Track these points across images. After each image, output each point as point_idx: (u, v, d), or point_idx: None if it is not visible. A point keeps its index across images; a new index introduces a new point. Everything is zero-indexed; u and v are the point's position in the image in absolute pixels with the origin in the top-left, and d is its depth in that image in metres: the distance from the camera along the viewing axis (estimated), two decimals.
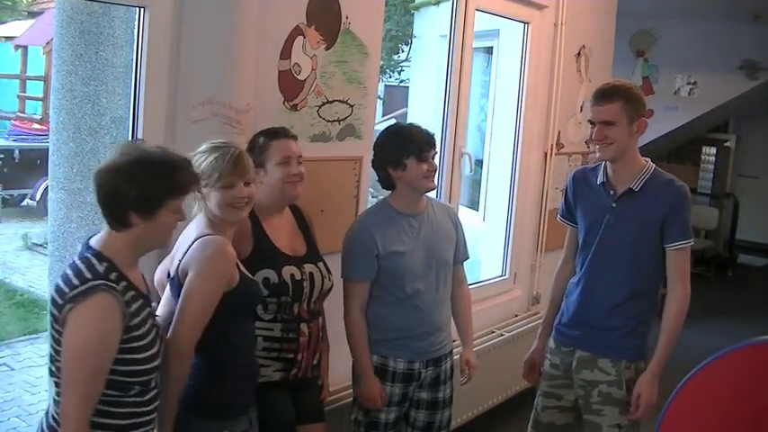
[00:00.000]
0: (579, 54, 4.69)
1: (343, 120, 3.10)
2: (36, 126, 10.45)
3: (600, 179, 2.70)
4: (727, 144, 9.57)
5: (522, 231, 4.52)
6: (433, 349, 2.76)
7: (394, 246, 2.67)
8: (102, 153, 2.90)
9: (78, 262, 1.84)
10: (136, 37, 2.50)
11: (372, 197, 7.58)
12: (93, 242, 1.89)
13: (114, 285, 1.79)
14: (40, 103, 10.84)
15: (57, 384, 1.81)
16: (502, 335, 4.10)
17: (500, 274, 4.49)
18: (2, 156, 9.83)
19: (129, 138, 2.56)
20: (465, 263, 2.96)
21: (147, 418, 1.92)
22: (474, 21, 3.83)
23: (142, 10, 2.45)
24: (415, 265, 2.69)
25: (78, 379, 1.76)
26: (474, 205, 4.89)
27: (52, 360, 1.84)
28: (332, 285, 2.60)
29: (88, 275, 1.79)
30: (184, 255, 2.11)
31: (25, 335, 5.74)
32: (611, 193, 2.66)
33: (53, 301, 1.81)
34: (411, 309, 2.70)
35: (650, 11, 6.86)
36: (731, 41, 6.99)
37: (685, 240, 2.59)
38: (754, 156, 9.63)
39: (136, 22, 2.50)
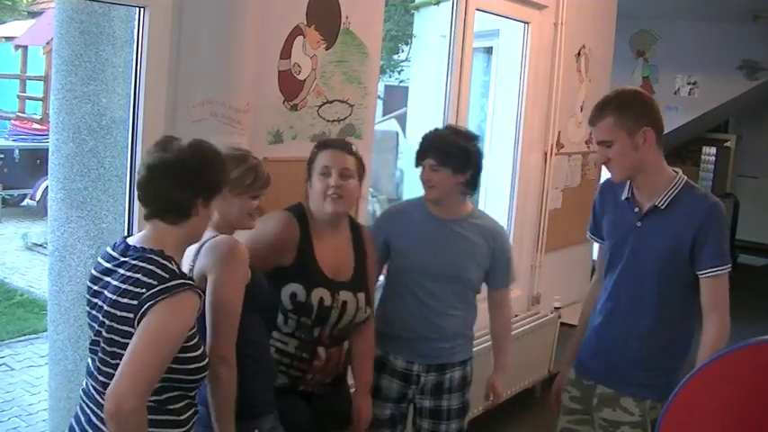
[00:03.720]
0: (579, 54, 4.69)
1: (343, 120, 3.09)
2: (36, 126, 10.46)
3: (626, 194, 2.42)
4: (727, 144, 9.56)
5: (523, 231, 4.52)
6: (435, 355, 2.71)
7: (402, 239, 2.68)
8: (102, 153, 2.90)
9: (143, 264, 1.82)
10: (136, 37, 2.50)
11: (372, 197, 7.58)
12: (141, 242, 1.88)
13: (196, 285, 1.84)
14: (40, 103, 10.84)
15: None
16: None
17: None
18: (2, 156, 9.84)
19: (130, 138, 2.56)
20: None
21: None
22: (474, 21, 3.83)
23: (142, 10, 2.45)
24: (423, 266, 2.67)
25: (148, 364, 1.75)
26: (474, 205, 4.88)
27: (108, 357, 1.83)
28: (367, 317, 2.51)
29: (165, 275, 1.80)
30: (195, 257, 2.07)
31: (25, 335, 5.75)
32: (636, 210, 2.38)
33: (121, 306, 1.79)
34: (413, 309, 2.69)
35: (650, 11, 6.86)
36: (731, 41, 6.99)
37: (719, 267, 2.28)
38: (754, 156, 9.63)
39: (136, 22, 2.49)
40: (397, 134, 9.90)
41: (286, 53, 2.83)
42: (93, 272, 1.96)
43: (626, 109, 2.30)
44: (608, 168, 2.39)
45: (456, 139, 2.69)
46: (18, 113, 11.28)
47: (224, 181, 1.96)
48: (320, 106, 2.99)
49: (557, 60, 4.46)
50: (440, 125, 3.78)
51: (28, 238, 8.37)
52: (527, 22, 4.31)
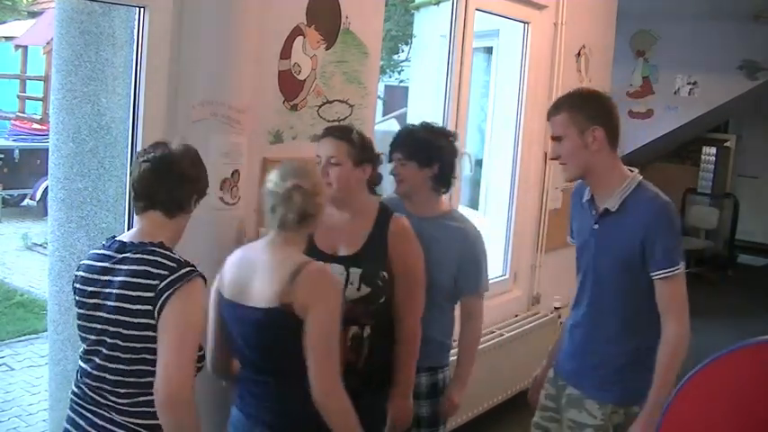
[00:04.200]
0: (579, 54, 4.69)
1: (343, 120, 3.09)
2: (36, 126, 10.46)
3: (587, 196, 2.43)
4: (727, 144, 9.57)
5: (523, 231, 4.52)
6: None
7: None
8: (102, 153, 2.89)
9: (146, 257, 1.91)
10: (135, 37, 2.50)
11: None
12: (137, 237, 1.98)
13: (198, 270, 1.95)
14: (40, 103, 10.85)
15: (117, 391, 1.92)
16: (502, 335, 4.10)
17: (500, 273, 4.49)
18: (2, 156, 9.84)
19: (130, 138, 2.55)
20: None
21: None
22: (474, 21, 3.83)
23: (142, 10, 2.45)
24: None
25: (188, 356, 1.88)
26: (474, 205, 4.89)
27: (119, 352, 1.90)
28: (366, 295, 2.42)
29: (173, 264, 1.90)
30: (290, 283, 2.06)
31: (25, 335, 5.74)
32: (594, 213, 2.38)
33: (134, 299, 1.87)
34: None
35: (650, 11, 6.87)
36: (731, 41, 7.00)
37: (669, 269, 2.23)
38: (754, 156, 9.63)
39: (136, 22, 2.49)
40: None
41: (286, 53, 2.83)
42: (82, 274, 1.98)
43: (579, 107, 2.32)
44: (561, 165, 2.39)
45: (423, 134, 2.72)
46: (18, 113, 11.29)
47: (206, 186, 2.12)
48: (320, 106, 2.99)
49: (557, 60, 4.46)
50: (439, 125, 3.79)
51: (28, 238, 8.37)
52: (527, 22, 4.31)
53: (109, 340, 1.91)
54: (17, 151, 9.97)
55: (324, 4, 2.94)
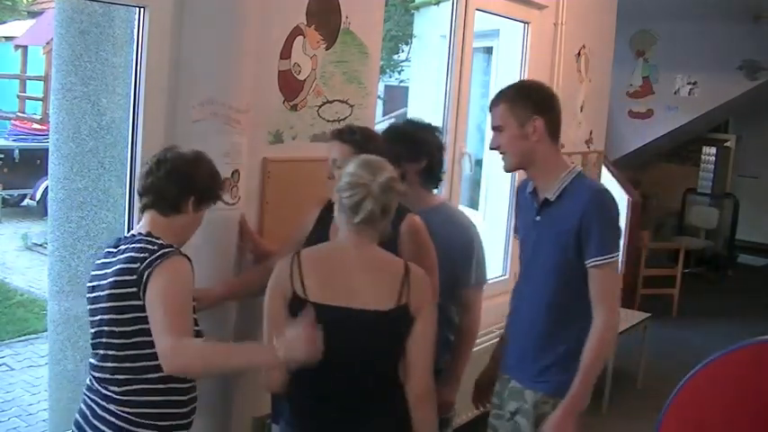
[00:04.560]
0: (579, 54, 4.69)
1: (343, 120, 3.09)
2: (36, 126, 10.46)
3: (530, 188, 2.41)
4: (727, 144, 9.57)
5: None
6: None
7: None
8: (101, 153, 2.90)
9: (134, 245, 2.02)
10: (135, 37, 2.50)
11: None
12: (132, 232, 2.11)
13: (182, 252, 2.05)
14: (40, 103, 10.85)
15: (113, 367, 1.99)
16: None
17: (500, 273, 4.49)
18: (2, 156, 9.83)
19: (130, 138, 2.55)
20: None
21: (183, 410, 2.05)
22: (474, 21, 3.83)
23: (142, 10, 2.45)
24: None
25: (179, 322, 1.95)
26: (474, 205, 4.89)
27: (113, 338, 1.99)
28: None
29: (153, 248, 2.00)
30: (402, 285, 2.05)
31: (25, 335, 5.74)
32: (536, 204, 2.36)
33: (121, 284, 1.97)
34: None
35: (650, 11, 6.87)
36: (731, 41, 7.00)
37: (602, 257, 2.20)
38: (754, 156, 9.63)
39: (136, 22, 2.49)
40: None
41: (286, 53, 2.82)
42: (91, 273, 2.11)
43: (520, 98, 2.31)
44: (500, 155, 2.36)
45: (408, 128, 2.71)
46: (18, 113, 11.28)
47: (217, 193, 2.19)
48: (320, 106, 2.99)
49: (557, 60, 4.45)
50: (440, 125, 3.79)
51: (28, 238, 8.37)
52: (527, 22, 4.31)
53: (106, 329, 2.00)
54: (17, 151, 9.96)
55: (324, 4, 2.94)
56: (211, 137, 2.49)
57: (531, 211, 2.38)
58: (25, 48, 11.59)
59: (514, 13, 4.23)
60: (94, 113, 2.86)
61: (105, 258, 2.09)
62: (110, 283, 1.99)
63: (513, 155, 2.32)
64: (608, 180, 6.22)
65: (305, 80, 2.91)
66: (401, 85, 12.70)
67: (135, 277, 1.95)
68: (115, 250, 2.07)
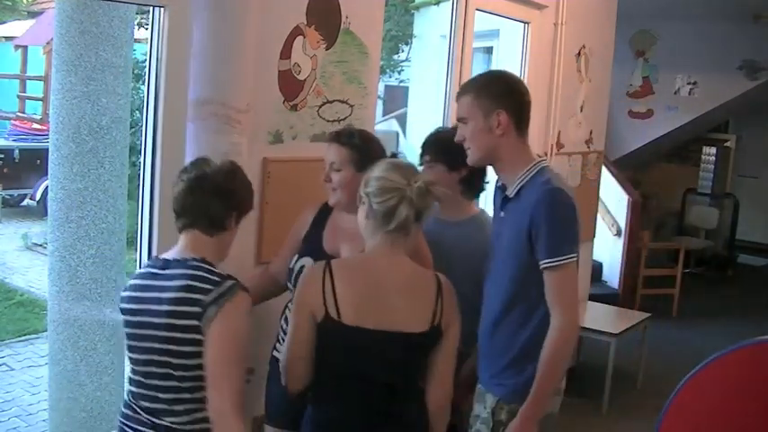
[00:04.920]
0: (579, 54, 4.69)
1: (343, 120, 3.09)
2: (36, 126, 10.44)
3: (498, 183, 2.33)
4: (727, 144, 9.57)
5: None
6: None
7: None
8: (101, 153, 2.90)
9: (190, 272, 1.90)
10: (150, 37, 2.49)
11: None
12: (180, 254, 1.96)
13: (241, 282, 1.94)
14: (40, 103, 10.83)
15: (172, 398, 1.89)
16: None
17: None
18: (2, 156, 9.83)
19: (144, 138, 2.55)
20: None
21: None
22: (474, 21, 3.83)
23: (161, 10, 2.44)
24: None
25: (235, 373, 1.85)
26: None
27: (170, 369, 1.87)
28: None
29: (215, 279, 1.89)
30: (437, 301, 2.01)
31: (25, 335, 5.74)
32: (501, 200, 2.29)
33: (181, 314, 1.85)
34: None
35: (650, 11, 6.87)
36: (731, 41, 7.00)
37: (553, 259, 2.09)
38: (754, 156, 9.63)
39: (151, 23, 2.48)
40: (397, 134, 9.89)
41: (286, 53, 2.82)
42: (129, 293, 1.98)
43: (485, 89, 2.22)
44: (466, 149, 2.26)
45: (449, 135, 2.62)
46: (18, 113, 11.27)
47: (251, 204, 2.09)
48: (320, 106, 2.99)
49: (557, 60, 4.45)
50: (440, 125, 3.79)
51: (28, 238, 8.36)
52: (527, 22, 4.30)
53: (158, 358, 1.88)
54: (17, 151, 9.96)
55: (324, 4, 2.94)
56: (211, 137, 2.49)
57: (498, 207, 2.32)
58: (25, 48, 11.57)
59: (514, 13, 4.23)
60: (94, 113, 2.86)
61: (148, 280, 1.95)
62: (167, 311, 1.86)
63: (478, 148, 2.22)
64: (608, 180, 6.22)
65: (305, 80, 2.91)
66: (401, 85, 12.69)
67: (198, 309, 1.84)
68: (162, 272, 1.93)
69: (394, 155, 2.50)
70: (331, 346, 1.96)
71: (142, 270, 2.03)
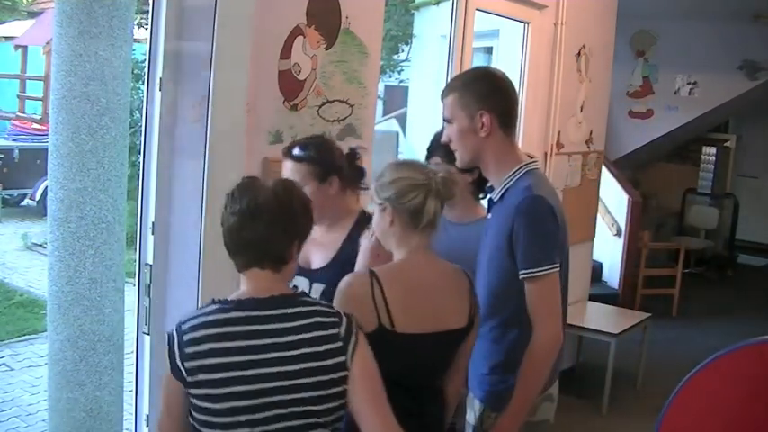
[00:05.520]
0: (579, 54, 4.69)
1: (343, 120, 3.09)
2: (36, 126, 10.44)
3: (489, 184, 2.28)
4: (727, 144, 9.57)
5: None
6: None
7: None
8: (101, 153, 2.89)
9: (306, 309, 1.71)
10: (150, 37, 2.48)
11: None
12: (265, 292, 1.71)
13: None
14: (40, 103, 10.83)
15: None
16: None
17: None
18: (2, 156, 9.83)
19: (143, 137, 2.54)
20: None
21: None
22: (474, 21, 3.83)
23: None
24: None
25: (387, 403, 1.72)
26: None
27: (315, 418, 1.68)
28: None
29: (331, 310, 1.75)
30: (470, 297, 2.03)
31: (25, 335, 5.74)
32: (488, 203, 2.26)
33: (325, 354, 1.67)
34: None
35: (650, 11, 6.87)
36: (731, 41, 7.00)
37: (531, 269, 2.03)
38: (754, 156, 9.63)
39: (151, 22, 2.48)
40: (397, 134, 9.89)
41: (286, 53, 2.82)
42: (214, 345, 1.64)
43: (468, 89, 2.14)
44: (454, 151, 2.20)
45: None
46: (18, 113, 11.27)
47: (311, 225, 1.83)
48: (320, 106, 2.99)
49: (557, 60, 4.45)
50: (439, 125, 3.78)
51: (28, 238, 8.36)
52: (527, 22, 4.31)
53: (295, 409, 1.66)
54: (17, 151, 9.96)
55: (324, 4, 2.94)
56: (211, 137, 2.49)
57: (488, 207, 2.28)
58: (25, 48, 11.57)
59: (514, 13, 4.23)
60: (94, 113, 2.85)
61: (249, 325, 1.66)
62: (302, 354, 1.65)
63: (465, 150, 2.16)
64: (608, 180, 6.23)
65: (305, 80, 2.91)
66: (401, 85, 12.69)
67: (340, 344, 1.68)
68: (265, 314, 1.68)
69: (353, 150, 2.44)
70: (383, 357, 1.82)
71: (215, 316, 1.67)
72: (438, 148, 2.55)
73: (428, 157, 2.60)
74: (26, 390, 4.81)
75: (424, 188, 1.94)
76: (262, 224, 1.68)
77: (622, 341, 4.82)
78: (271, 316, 1.67)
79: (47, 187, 3.51)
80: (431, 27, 5.68)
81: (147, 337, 2.61)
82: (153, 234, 2.55)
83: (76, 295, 2.94)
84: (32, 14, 13.85)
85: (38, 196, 9.25)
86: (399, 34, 11.87)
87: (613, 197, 6.41)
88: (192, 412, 1.65)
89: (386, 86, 13.37)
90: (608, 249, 6.40)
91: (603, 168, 5.58)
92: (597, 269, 6.29)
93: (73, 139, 2.89)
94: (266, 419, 1.63)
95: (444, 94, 2.18)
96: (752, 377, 2.14)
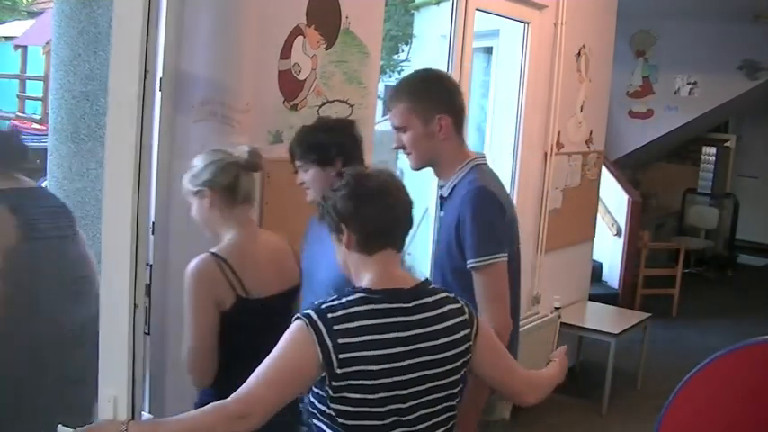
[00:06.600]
0: (579, 54, 4.69)
1: None
2: (36, 126, 10.46)
3: (440, 182, 2.30)
4: (727, 144, 9.57)
5: (522, 231, 4.50)
6: None
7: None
8: (101, 153, 2.89)
9: (439, 296, 1.76)
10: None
11: None
12: (401, 283, 1.73)
13: None
14: (40, 103, 10.85)
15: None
16: None
17: None
18: None
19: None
20: None
21: None
22: (474, 21, 3.83)
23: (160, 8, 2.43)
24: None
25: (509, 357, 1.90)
26: None
27: (449, 402, 1.75)
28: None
29: (451, 294, 1.80)
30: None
31: None
32: (438, 200, 2.29)
33: (464, 339, 1.74)
34: None
35: (650, 11, 6.87)
36: (731, 41, 7.00)
37: (477, 259, 2.06)
38: (754, 156, 9.63)
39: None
40: None
41: (286, 53, 2.82)
42: (370, 337, 1.63)
43: (421, 95, 2.16)
44: (405, 155, 2.23)
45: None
46: (18, 113, 11.29)
47: None
48: (320, 106, 2.99)
49: (557, 60, 4.46)
50: None
51: None
52: (527, 22, 4.30)
53: (436, 395, 1.71)
54: None
55: (324, 4, 2.94)
56: (211, 137, 2.49)
57: (438, 207, 2.29)
58: (25, 48, 11.59)
59: (514, 13, 4.23)
60: (93, 113, 2.85)
61: (399, 317, 1.67)
62: (445, 343, 1.70)
63: (420, 155, 2.19)
64: (608, 180, 6.23)
65: (305, 80, 2.91)
66: None
67: (469, 330, 1.75)
68: (412, 305, 1.69)
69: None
70: (246, 328, 2.05)
71: (372, 307, 1.66)
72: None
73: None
74: None
75: (234, 165, 2.11)
76: (400, 203, 1.73)
77: (622, 341, 4.82)
78: (417, 306, 1.70)
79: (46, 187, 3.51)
80: (431, 27, 5.68)
81: (148, 338, 2.61)
82: (153, 234, 2.54)
83: None
84: (32, 14, 13.87)
85: None
86: (399, 34, 11.88)
87: (613, 197, 6.42)
88: (330, 403, 1.62)
89: (386, 86, 13.36)
90: (608, 249, 6.40)
91: (603, 168, 5.58)
92: (597, 269, 6.30)
93: (72, 139, 2.89)
94: (412, 408, 1.68)
95: (394, 102, 2.18)
96: (752, 377, 2.14)
